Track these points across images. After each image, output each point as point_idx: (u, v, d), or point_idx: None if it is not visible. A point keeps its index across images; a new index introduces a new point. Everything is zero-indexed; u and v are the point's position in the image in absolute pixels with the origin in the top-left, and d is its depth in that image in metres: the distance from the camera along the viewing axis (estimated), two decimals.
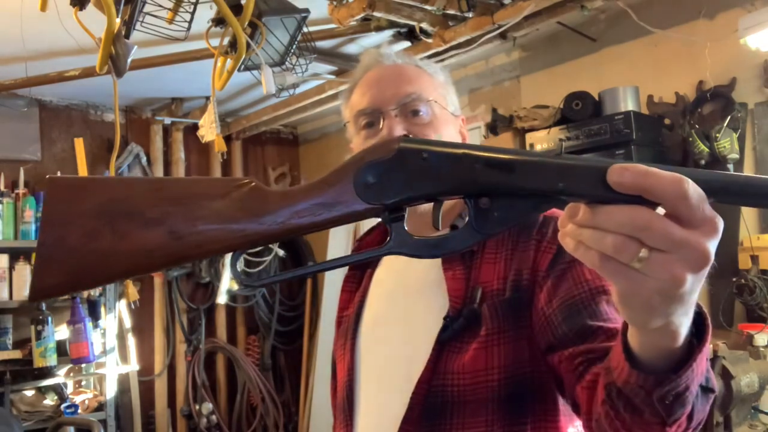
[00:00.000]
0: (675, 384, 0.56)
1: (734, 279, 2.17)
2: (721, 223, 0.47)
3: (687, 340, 0.55)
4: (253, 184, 0.53)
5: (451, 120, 1.05)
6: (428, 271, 0.99)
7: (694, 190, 0.46)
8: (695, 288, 0.48)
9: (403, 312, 1.01)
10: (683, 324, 0.53)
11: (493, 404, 0.87)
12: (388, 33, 2.67)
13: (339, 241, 3.95)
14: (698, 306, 0.55)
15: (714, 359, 1.81)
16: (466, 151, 0.52)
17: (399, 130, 0.97)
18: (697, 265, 0.47)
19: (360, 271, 1.13)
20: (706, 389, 0.62)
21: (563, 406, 0.88)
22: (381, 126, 0.99)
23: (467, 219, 0.52)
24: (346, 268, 1.15)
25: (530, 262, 0.90)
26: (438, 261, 0.98)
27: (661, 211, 0.47)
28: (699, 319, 0.56)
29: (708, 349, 0.58)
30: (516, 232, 0.94)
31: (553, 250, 0.89)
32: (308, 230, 0.53)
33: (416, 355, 0.93)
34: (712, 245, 0.47)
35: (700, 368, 0.58)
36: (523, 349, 0.88)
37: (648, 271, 0.46)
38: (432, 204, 0.55)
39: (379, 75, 1.04)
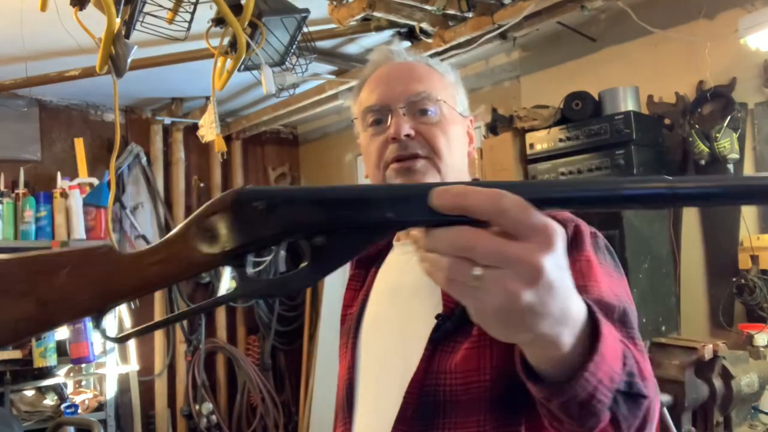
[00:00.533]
0: (571, 393, 0.54)
1: (734, 279, 2.17)
2: (555, 233, 0.46)
3: (587, 347, 0.54)
4: (107, 249, 0.58)
5: (458, 120, 1.04)
6: None
7: (512, 202, 0.46)
8: (546, 300, 0.47)
9: (400, 311, 1.00)
10: (562, 334, 0.51)
11: (486, 405, 0.86)
12: (388, 33, 2.67)
13: None
14: (591, 313, 0.54)
15: (714, 359, 1.81)
16: (294, 195, 0.54)
17: (406, 129, 0.96)
18: (530, 279, 0.46)
19: (364, 269, 1.13)
20: (631, 395, 0.60)
21: None
22: (388, 123, 0.98)
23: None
24: (347, 267, 1.15)
25: None
26: None
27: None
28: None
29: (613, 354, 0.56)
30: None
31: None
32: (161, 285, 0.58)
33: (411, 354, 0.92)
34: (545, 257, 0.46)
35: (603, 375, 0.55)
36: (511, 351, 0.87)
37: (485, 289, 0.46)
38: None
39: (389, 72, 1.03)
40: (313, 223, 0.52)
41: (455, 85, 1.06)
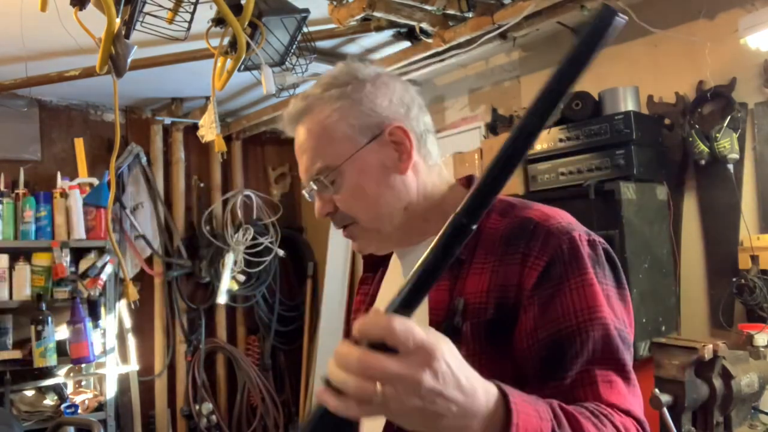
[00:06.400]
0: None
1: (734, 279, 2.17)
2: (434, 348, 0.57)
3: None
4: None
5: (366, 156, 0.95)
6: None
7: (398, 325, 0.57)
8: (434, 404, 0.58)
9: None
10: (469, 425, 0.60)
11: None
12: (388, 33, 2.67)
13: (339, 240, 3.95)
14: (506, 400, 0.62)
15: (714, 359, 1.81)
16: None
17: (324, 210, 0.98)
18: (412, 392, 0.57)
19: (373, 272, 1.13)
20: None
21: None
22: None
23: None
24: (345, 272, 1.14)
25: (516, 278, 0.85)
26: None
27: None
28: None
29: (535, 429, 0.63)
30: (506, 240, 0.88)
31: (540, 268, 0.83)
32: None
33: None
34: (425, 373, 0.56)
35: None
36: (506, 368, 0.84)
37: (385, 402, 0.57)
38: None
39: (295, 148, 1.03)
40: None
41: (350, 107, 0.96)
